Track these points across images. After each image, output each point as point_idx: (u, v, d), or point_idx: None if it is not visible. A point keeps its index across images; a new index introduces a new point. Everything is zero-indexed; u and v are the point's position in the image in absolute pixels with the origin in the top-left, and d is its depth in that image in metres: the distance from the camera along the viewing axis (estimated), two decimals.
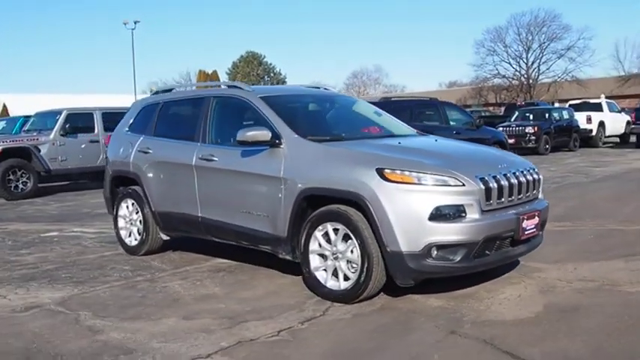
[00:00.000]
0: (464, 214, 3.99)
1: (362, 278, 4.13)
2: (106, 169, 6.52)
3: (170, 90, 6.36)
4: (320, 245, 4.41)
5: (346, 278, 4.27)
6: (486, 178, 4.11)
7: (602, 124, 22.28)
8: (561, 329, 3.64)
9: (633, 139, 21.53)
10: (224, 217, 5.11)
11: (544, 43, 48.80)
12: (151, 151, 5.84)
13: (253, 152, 4.83)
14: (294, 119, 4.90)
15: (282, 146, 4.67)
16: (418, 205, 3.95)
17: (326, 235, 4.37)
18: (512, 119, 20.97)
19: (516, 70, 50.42)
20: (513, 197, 4.29)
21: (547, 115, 20.72)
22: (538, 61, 49.44)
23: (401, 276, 4.07)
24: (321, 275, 4.42)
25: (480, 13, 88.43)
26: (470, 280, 4.56)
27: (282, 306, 4.29)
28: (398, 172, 4.05)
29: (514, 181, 4.29)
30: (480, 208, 4.02)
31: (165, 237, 5.99)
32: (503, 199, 4.20)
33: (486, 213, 4.07)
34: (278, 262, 5.20)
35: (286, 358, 3.39)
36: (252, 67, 56.40)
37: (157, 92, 6.45)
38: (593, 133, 21.93)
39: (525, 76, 49.96)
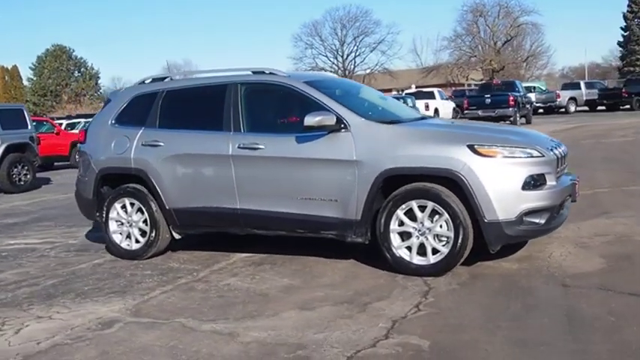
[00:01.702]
0: (545, 182, 4.43)
1: (456, 249, 4.36)
2: (87, 168, 5.79)
3: (164, 79, 5.84)
4: (401, 224, 4.53)
5: (434, 252, 4.46)
6: (553, 149, 4.60)
7: (437, 111, 24.76)
8: None
9: None
10: (275, 206, 4.92)
11: (358, 37, 52.37)
12: (161, 143, 5.35)
13: (311, 138, 4.75)
14: (348, 103, 4.91)
15: (345, 130, 4.67)
16: (512, 176, 4.30)
17: (409, 212, 4.51)
18: None
19: (334, 63, 53.37)
20: (564, 166, 4.85)
21: None
22: (353, 54, 52.94)
23: (495, 242, 4.39)
24: (405, 253, 4.54)
25: (295, 6, 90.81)
26: (507, 249, 4.92)
27: (380, 287, 4.33)
28: (487, 147, 4.35)
29: (563, 151, 4.85)
30: (555, 175, 4.50)
31: (177, 236, 5.56)
32: (560, 168, 4.73)
33: (557, 180, 4.56)
34: (310, 247, 5.23)
35: (460, 325, 3.51)
36: (60, 61, 51.76)
37: (143, 82, 5.88)
38: None
39: (342, 68, 53.08)
